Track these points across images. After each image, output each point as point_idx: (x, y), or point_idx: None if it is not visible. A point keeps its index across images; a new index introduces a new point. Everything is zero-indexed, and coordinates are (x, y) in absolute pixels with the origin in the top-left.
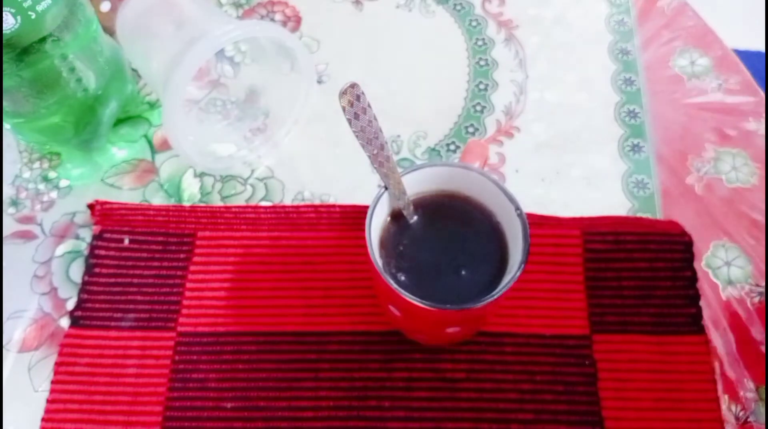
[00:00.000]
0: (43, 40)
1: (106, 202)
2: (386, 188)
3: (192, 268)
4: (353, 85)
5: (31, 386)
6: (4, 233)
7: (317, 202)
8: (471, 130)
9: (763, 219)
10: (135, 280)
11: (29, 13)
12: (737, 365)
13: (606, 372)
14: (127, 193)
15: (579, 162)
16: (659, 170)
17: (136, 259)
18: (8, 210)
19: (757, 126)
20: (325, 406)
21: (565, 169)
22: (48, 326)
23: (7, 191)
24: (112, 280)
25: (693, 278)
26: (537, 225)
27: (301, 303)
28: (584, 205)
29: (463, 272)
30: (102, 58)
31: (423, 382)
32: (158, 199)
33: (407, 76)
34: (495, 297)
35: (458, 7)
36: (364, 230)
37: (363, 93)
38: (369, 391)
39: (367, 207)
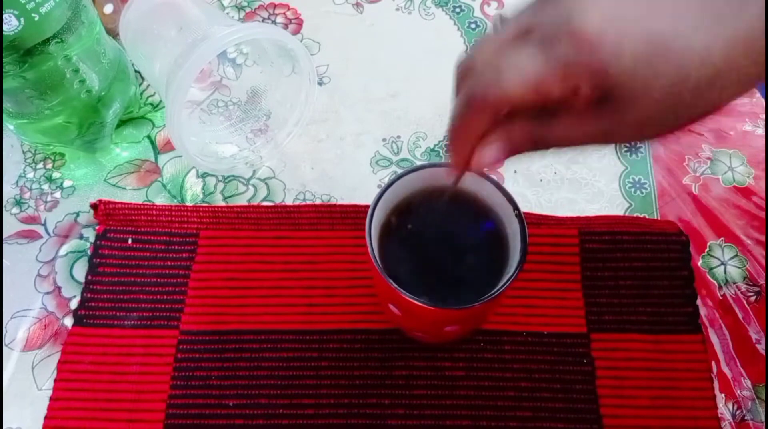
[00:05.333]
0: (46, 41)
1: (109, 202)
2: (386, 188)
3: (195, 267)
4: None
5: (35, 385)
6: (9, 233)
7: (318, 202)
8: None
9: (761, 218)
10: (138, 279)
11: (32, 14)
12: (734, 364)
13: (604, 370)
14: (130, 194)
15: (577, 162)
16: (656, 170)
17: (139, 258)
18: (12, 210)
19: (753, 127)
20: (325, 404)
21: (562, 169)
22: (51, 325)
23: (12, 191)
24: (116, 279)
25: (690, 277)
26: (535, 224)
27: (302, 302)
28: (582, 205)
29: (462, 271)
30: (105, 60)
31: (422, 380)
32: (161, 200)
33: (407, 78)
34: (493, 296)
35: (457, 10)
36: (364, 230)
37: None
38: (369, 389)
39: (367, 207)
